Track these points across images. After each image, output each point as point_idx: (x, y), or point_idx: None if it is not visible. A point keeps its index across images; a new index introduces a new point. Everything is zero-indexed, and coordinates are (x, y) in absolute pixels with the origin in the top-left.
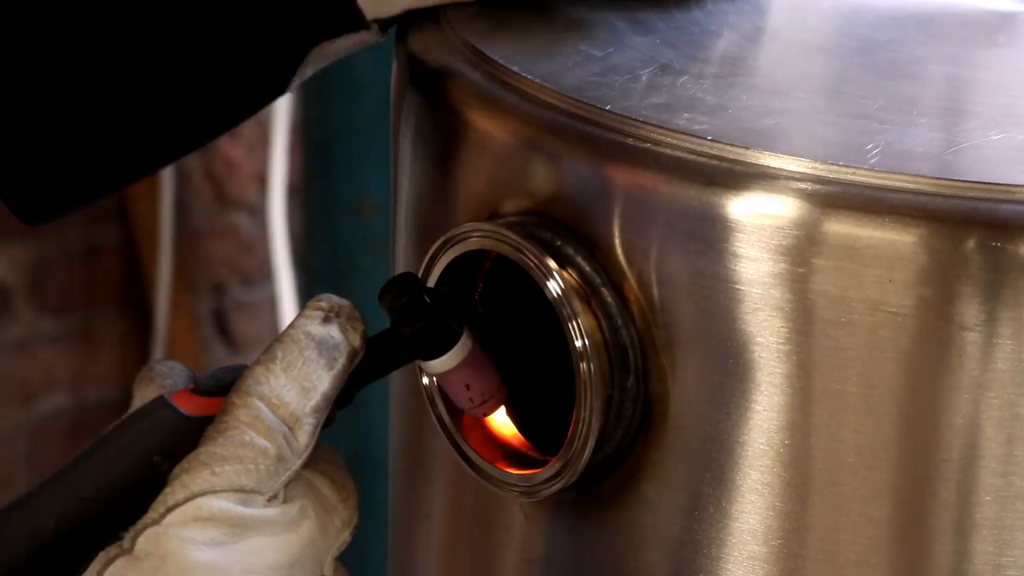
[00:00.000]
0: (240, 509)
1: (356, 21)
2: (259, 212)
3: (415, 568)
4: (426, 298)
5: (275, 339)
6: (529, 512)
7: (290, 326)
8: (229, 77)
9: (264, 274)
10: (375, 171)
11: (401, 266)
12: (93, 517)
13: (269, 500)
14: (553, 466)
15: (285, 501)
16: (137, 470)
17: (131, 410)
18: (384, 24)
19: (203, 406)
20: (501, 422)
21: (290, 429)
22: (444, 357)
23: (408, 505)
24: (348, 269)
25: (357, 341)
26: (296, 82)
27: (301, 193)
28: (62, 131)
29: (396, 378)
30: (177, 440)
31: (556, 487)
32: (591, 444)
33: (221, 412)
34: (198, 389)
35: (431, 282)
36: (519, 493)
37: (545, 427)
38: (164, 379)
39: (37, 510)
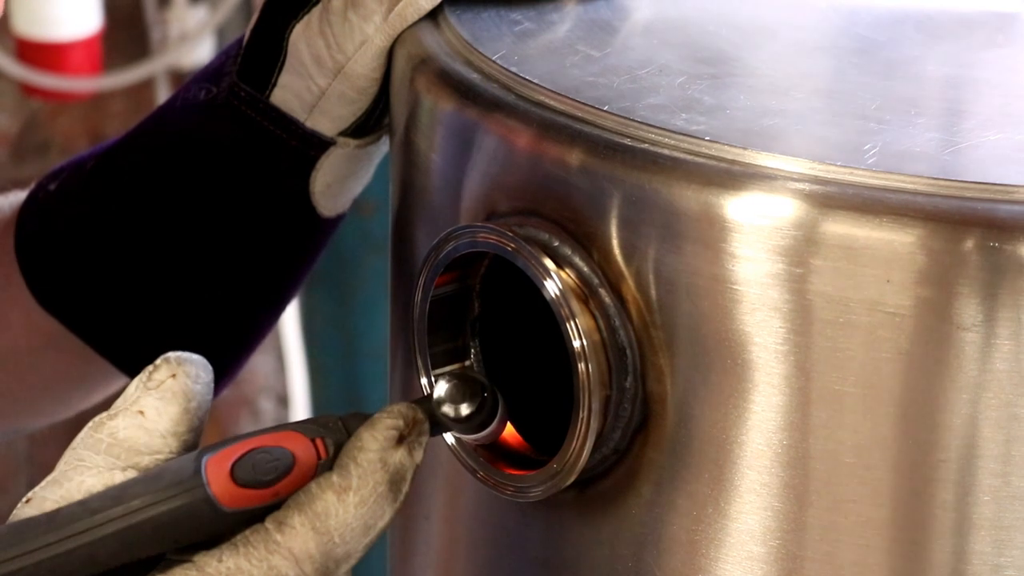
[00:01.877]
0: None
1: (312, 144)
2: None
3: (414, 569)
4: (484, 399)
5: (350, 458)
6: (527, 512)
7: (366, 446)
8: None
9: None
10: (375, 171)
11: (399, 265)
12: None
13: None
14: (551, 466)
15: None
16: (158, 546)
17: (137, 402)
18: (360, 129)
19: (241, 499)
20: None
21: (337, 564)
22: (476, 435)
23: (407, 506)
24: (348, 269)
25: (421, 457)
26: (328, 211)
27: None
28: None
29: (394, 379)
30: (207, 528)
31: (554, 487)
32: (589, 445)
33: (277, 525)
34: (238, 479)
35: (426, 281)
36: (517, 494)
37: (543, 428)
38: (189, 400)
39: (49, 568)
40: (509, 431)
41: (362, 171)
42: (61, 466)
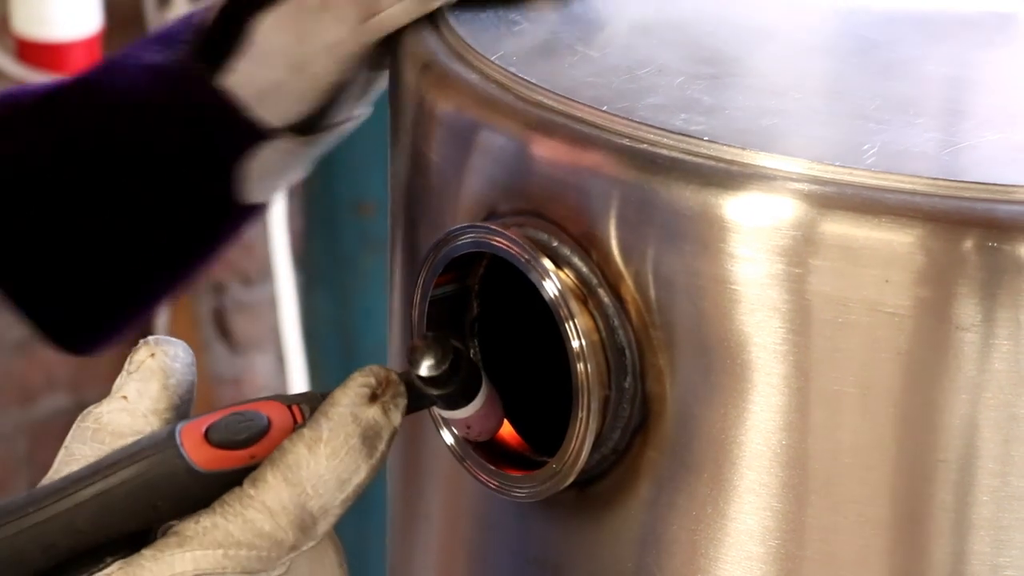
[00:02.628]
0: None
1: (254, 133)
2: None
3: (413, 569)
4: (458, 361)
5: (321, 413)
6: (527, 512)
7: (337, 401)
8: (169, 225)
9: (264, 274)
10: (375, 171)
11: (399, 266)
12: (84, 549)
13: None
14: (551, 467)
15: (288, 572)
16: (137, 513)
17: (121, 388)
18: (305, 126)
19: (215, 460)
20: None
21: (314, 519)
22: (459, 410)
23: (406, 506)
24: (348, 269)
25: (398, 420)
26: (255, 196)
27: (301, 193)
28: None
29: None
30: (184, 491)
31: (554, 488)
32: (588, 445)
33: (251, 482)
34: (212, 439)
35: (425, 281)
36: (517, 494)
37: (543, 428)
38: (168, 377)
39: (29, 537)
40: (508, 431)
41: (296, 167)
42: (55, 464)
